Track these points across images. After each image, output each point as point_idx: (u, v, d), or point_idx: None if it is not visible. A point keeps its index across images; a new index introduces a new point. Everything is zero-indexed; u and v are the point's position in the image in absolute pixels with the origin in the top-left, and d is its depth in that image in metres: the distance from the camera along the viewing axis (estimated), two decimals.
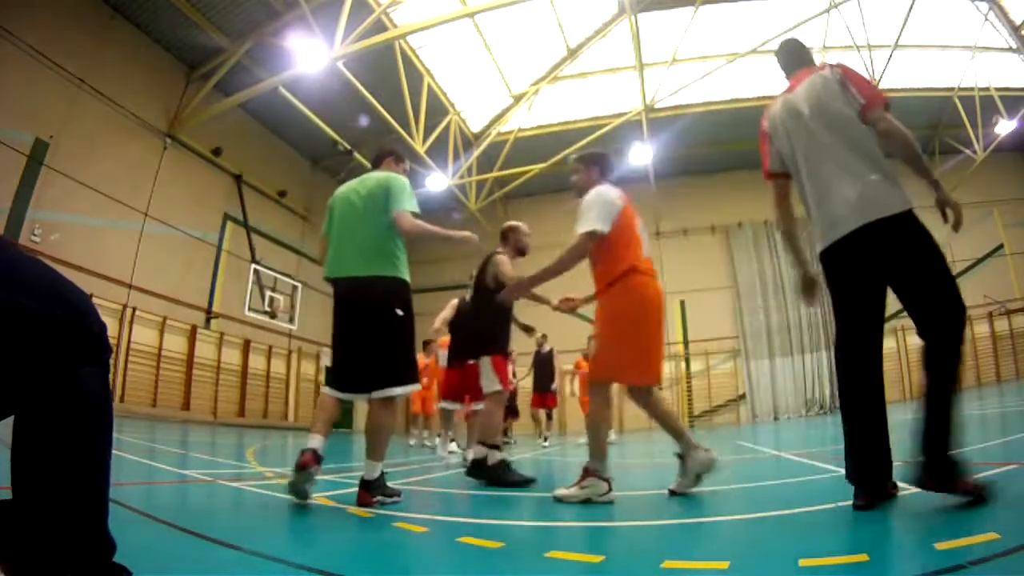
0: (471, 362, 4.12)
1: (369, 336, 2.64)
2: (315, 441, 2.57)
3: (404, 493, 2.75)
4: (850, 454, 1.99)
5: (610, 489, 2.57)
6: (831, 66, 2.19)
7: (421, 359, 7.90)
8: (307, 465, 2.45)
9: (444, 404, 5.41)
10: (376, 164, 3.05)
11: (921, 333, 1.92)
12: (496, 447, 3.56)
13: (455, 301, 5.66)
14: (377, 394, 2.62)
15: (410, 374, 2.71)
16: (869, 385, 2.00)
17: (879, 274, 1.98)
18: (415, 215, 2.72)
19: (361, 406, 2.82)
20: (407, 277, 2.76)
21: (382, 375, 2.63)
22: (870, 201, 1.93)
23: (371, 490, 2.54)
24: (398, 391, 2.65)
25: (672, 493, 2.68)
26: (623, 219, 2.79)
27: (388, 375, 2.63)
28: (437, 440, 6.85)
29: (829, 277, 2.10)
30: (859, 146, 2.01)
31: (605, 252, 2.76)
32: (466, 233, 2.94)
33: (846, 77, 2.11)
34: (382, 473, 2.62)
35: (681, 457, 2.71)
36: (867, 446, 1.95)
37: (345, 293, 2.74)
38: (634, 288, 2.70)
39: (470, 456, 4.06)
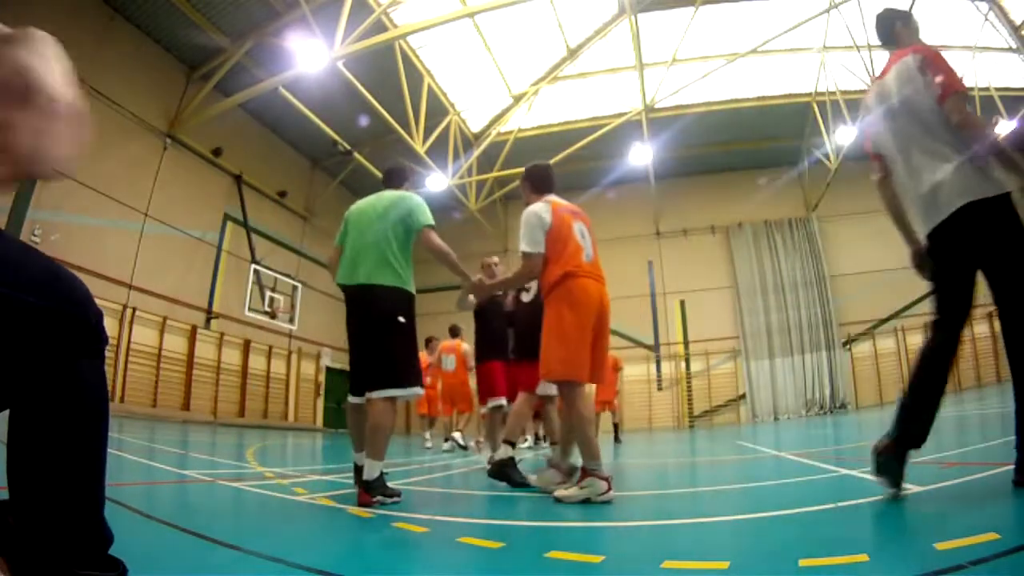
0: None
1: (373, 340, 2.79)
2: (357, 458, 2.90)
3: (404, 493, 2.75)
4: (902, 418, 2.01)
5: (609, 488, 2.57)
6: (915, 50, 2.17)
7: (424, 357, 7.85)
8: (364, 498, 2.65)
9: (500, 402, 4.63)
10: (392, 182, 3.17)
11: (1001, 319, 1.94)
12: (512, 444, 3.52)
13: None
14: (377, 394, 2.71)
15: (412, 378, 2.81)
16: (944, 365, 2.01)
17: (972, 257, 1.99)
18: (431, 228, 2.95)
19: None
20: (412, 289, 2.92)
21: (382, 376, 2.74)
22: (958, 187, 1.96)
23: (371, 490, 2.57)
24: (398, 393, 2.73)
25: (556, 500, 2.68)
26: (555, 231, 2.89)
27: (388, 377, 2.74)
28: (472, 442, 6.58)
29: (934, 259, 2.12)
30: (943, 134, 2.03)
31: (544, 264, 2.90)
32: (477, 279, 3.14)
33: (926, 64, 2.09)
34: (382, 473, 2.64)
35: (552, 463, 3.20)
36: (922, 413, 1.98)
37: (355, 299, 2.90)
38: (570, 290, 2.78)
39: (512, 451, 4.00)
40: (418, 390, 2.83)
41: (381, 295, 2.79)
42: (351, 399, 2.92)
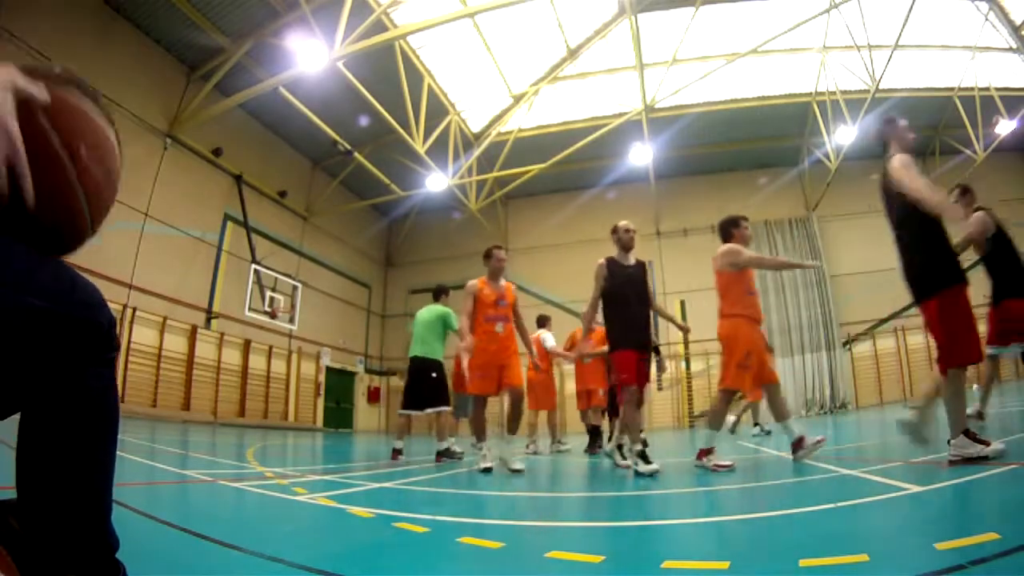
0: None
1: (429, 382, 5.56)
2: (398, 444, 5.59)
3: (404, 493, 2.75)
4: None
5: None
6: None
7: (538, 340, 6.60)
8: (395, 458, 5.33)
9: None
10: (437, 296, 5.97)
11: None
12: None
13: None
14: (434, 409, 5.57)
15: (447, 402, 5.70)
16: None
17: None
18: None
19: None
20: (442, 359, 5.74)
21: (437, 400, 5.57)
22: None
23: (440, 455, 5.35)
24: (448, 408, 5.70)
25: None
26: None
27: (442, 401, 5.60)
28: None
29: None
30: None
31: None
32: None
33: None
34: (448, 448, 5.49)
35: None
36: None
37: (419, 362, 5.62)
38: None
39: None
40: (446, 408, 5.65)
41: (434, 364, 5.62)
42: (403, 412, 5.76)
